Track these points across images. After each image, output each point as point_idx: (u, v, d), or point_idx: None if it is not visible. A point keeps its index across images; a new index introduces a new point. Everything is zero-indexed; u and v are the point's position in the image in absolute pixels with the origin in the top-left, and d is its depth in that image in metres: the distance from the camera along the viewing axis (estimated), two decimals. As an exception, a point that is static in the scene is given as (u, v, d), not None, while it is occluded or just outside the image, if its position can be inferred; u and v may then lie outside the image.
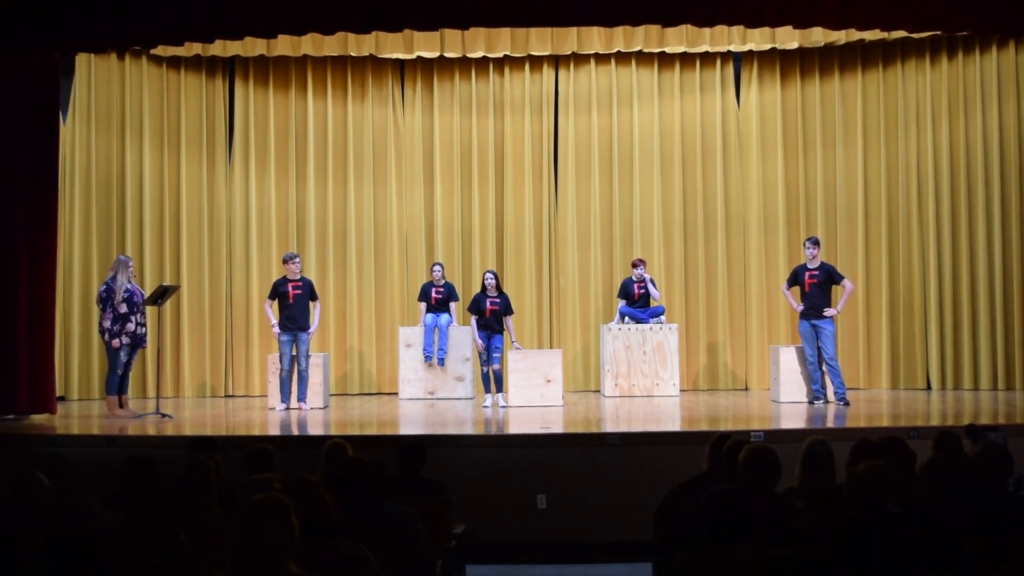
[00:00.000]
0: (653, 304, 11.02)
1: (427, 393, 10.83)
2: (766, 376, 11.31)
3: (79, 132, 11.36)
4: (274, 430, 8.54)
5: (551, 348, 11.55)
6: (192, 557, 3.39)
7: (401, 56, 11.73)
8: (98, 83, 11.50)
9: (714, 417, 9.18)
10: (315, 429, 8.63)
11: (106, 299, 9.38)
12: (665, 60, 12.18)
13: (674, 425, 8.59)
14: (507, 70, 12.23)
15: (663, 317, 10.98)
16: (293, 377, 9.97)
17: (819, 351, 9.88)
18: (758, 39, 11.36)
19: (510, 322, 10.26)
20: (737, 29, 11.11)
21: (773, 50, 11.89)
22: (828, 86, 12.10)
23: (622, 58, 12.15)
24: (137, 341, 9.45)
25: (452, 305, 10.92)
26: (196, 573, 3.33)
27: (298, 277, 10.06)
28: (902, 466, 4.68)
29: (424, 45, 11.43)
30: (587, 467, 7.36)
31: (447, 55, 11.74)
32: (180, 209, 11.85)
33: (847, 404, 9.66)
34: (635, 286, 10.98)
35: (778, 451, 4.50)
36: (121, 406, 9.41)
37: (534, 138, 12.22)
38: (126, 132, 11.62)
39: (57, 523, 3.98)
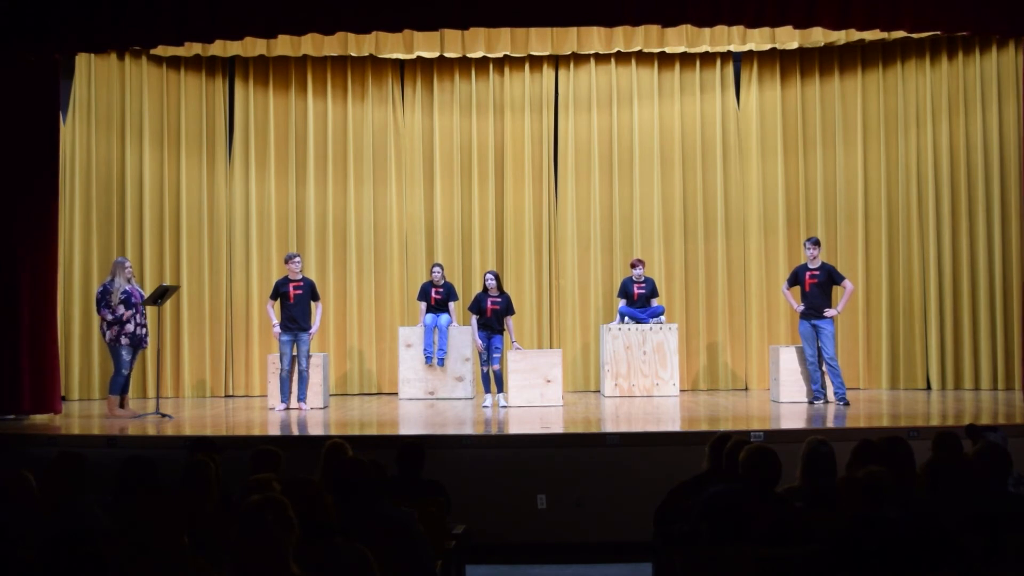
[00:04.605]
0: (653, 303, 11.04)
1: (427, 393, 10.83)
2: (766, 376, 11.32)
3: (79, 132, 11.35)
4: (274, 430, 8.55)
5: (551, 348, 11.55)
6: (192, 557, 3.39)
7: (401, 56, 11.73)
8: (98, 83, 11.50)
9: (714, 417, 9.17)
10: (315, 429, 8.63)
11: (102, 301, 9.38)
12: (665, 60, 12.18)
13: (674, 425, 8.59)
14: (507, 70, 12.23)
15: (663, 317, 10.97)
16: (293, 377, 9.97)
17: (819, 351, 9.89)
18: (758, 39, 11.35)
19: (511, 322, 10.25)
20: (737, 29, 11.11)
21: (773, 50, 11.89)
22: (828, 86, 12.10)
23: (622, 58, 12.15)
24: (137, 342, 9.44)
25: (451, 305, 10.92)
26: (196, 573, 3.33)
27: (299, 277, 10.06)
28: (902, 466, 4.68)
29: (424, 45, 11.42)
30: (587, 467, 7.36)
31: (447, 55, 11.74)
32: (180, 209, 11.86)
33: (847, 404, 9.65)
34: (635, 286, 10.98)
35: (778, 451, 4.50)
36: (121, 406, 9.41)
37: (534, 138, 12.22)
38: (126, 132, 11.62)
39: (48, 524, 3.98)
